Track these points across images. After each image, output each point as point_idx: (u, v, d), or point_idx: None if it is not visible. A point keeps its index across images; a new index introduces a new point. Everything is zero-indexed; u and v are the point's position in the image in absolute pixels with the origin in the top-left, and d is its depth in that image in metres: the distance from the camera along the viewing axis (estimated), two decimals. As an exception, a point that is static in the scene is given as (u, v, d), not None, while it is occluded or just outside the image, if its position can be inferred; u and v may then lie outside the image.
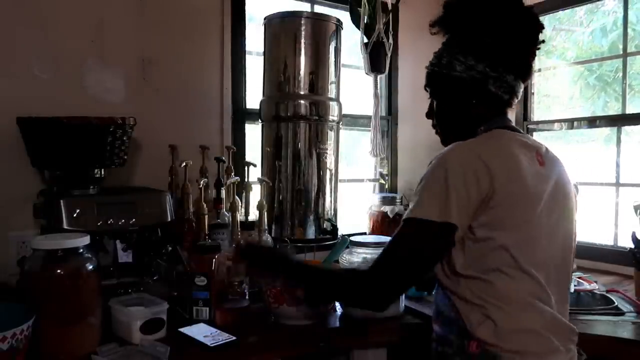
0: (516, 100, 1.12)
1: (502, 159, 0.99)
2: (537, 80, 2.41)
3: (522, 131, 1.13)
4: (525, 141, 1.07)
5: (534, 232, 1.00)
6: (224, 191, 1.66)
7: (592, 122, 2.25)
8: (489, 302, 0.96)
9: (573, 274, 1.83)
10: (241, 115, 2.00)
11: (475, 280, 0.98)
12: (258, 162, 1.83)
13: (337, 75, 1.87)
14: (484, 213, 0.96)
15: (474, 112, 1.09)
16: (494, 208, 0.95)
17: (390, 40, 2.17)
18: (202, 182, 1.50)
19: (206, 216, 1.45)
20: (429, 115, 1.19)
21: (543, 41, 1.10)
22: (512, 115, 1.16)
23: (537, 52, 1.10)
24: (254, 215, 1.66)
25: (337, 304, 1.42)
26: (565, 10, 2.40)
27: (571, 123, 2.27)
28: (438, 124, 1.17)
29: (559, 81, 2.48)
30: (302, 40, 1.77)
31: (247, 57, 2.02)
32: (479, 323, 0.97)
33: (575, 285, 1.68)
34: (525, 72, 1.10)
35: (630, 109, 2.10)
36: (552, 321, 0.99)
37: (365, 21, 2.16)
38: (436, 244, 0.97)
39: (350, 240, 1.63)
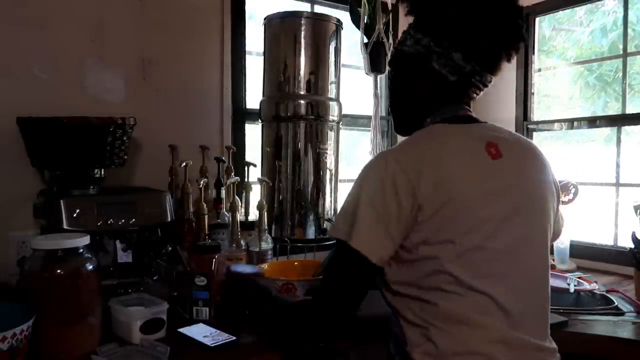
0: (478, 91, 1.03)
1: (430, 167, 0.91)
2: (537, 80, 2.41)
3: (479, 120, 1.04)
4: (478, 133, 0.99)
5: (479, 240, 0.90)
6: (224, 191, 1.66)
7: (592, 122, 2.25)
8: (431, 323, 0.90)
9: (573, 274, 1.85)
10: (241, 115, 2.00)
11: (416, 300, 0.92)
12: (258, 162, 1.83)
13: (337, 75, 1.87)
14: (414, 230, 0.90)
15: (420, 92, 1.03)
16: (423, 224, 0.89)
17: (390, 40, 2.17)
18: (202, 182, 1.50)
19: (206, 216, 1.45)
20: None
21: (522, 25, 0.99)
22: (474, 106, 1.06)
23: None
24: (254, 215, 1.67)
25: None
26: (565, 10, 2.40)
27: (571, 123, 2.27)
28: (390, 106, 1.14)
29: (559, 81, 2.48)
30: (302, 40, 1.77)
31: (247, 57, 2.02)
32: (418, 344, 0.91)
33: (575, 285, 1.68)
34: (484, 57, 0.99)
35: (630, 109, 2.10)
36: (510, 341, 0.90)
37: (365, 21, 2.16)
38: (355, 264, 0.93)
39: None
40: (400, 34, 1.10)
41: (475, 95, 1.04)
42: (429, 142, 0.97)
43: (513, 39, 1.00)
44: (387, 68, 2.19)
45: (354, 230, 0.90)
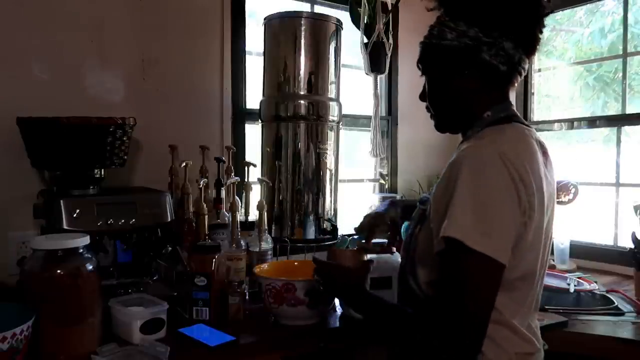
0: (519, 78, 1.00)
1: (531, 167, 0.88)
2: (537, 81, 2.41)
3: (527, 123, 1.03)
4: (536, 139, 0.97)
5: (538, 258, 0.94)
6: (224, 191, 1.66)
7: (592, 122, 2.25)
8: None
9: (573, 274, 1.85)
10: (241, 115, 2.00)
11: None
12: (258, 162, 1.83)
13: (337, 75, 1.86)
14: (519, 240, 0.88)
15: (468, 87, 0.98)
16: (528, 232, 0.88)
17: (390, 40, 2.17)
18: (202, 182, 1.50)
19: (206, 216, 1.45)
20: (422, 96, 1.07)
21: (551, 11, 0.98)
22: (512, 96, 1.05)
23: (543, 31, 0.97)
24: (254, 215, 1.66)
25: (337, 305, 1.43)
26: (565, 11, 2.40)
27: (571, 123, 2.27)
28: (431, 104, 1.06)
29: (559, 81, 2.48)
30: (302, 40, 1.77)
31: (247, 57, 2.02)
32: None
33: (575, 285, 1.68)
34: (528, 42, 0.96)
35: (630, 109, 2.11)
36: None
37: (365, 21, 2.16)
38: (496, 275, 0.86)
39: (350, 241, 1.63)
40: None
41: (516, 82, 1.02)
42: (520, 141, 0.93)
43: (541, 14, 0.98)
44: (387, 69, 2.19)
45: (492, 239, 0.83)
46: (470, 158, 0.87)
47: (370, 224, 1.29)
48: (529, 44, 0.97)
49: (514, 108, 1.03)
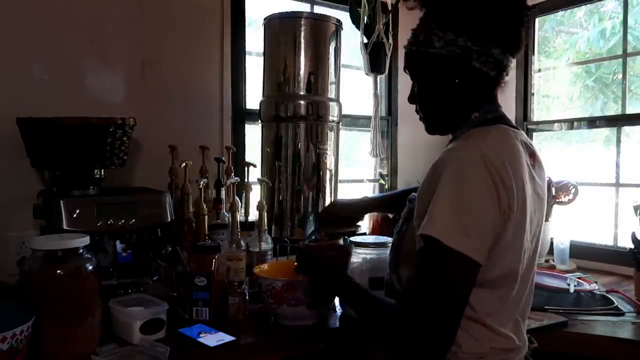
0: (505, 78, 1.02)
1: (513, 168, 0.89)
2: (537, 81, 2.41)
3: (514, 125, 1.04)
4: (523, 140, 0.99)
5: (519, 258, 0.93)
6: (223, 191, 1.66)
7: (592, 122, 2.25)
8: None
9: (573, 274, 1.85)
10: (241, 115, 2.00)
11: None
12: (258, 162, 1.83)
13: (337, 76, 1.86)
14: (497, 240, 0.88)
15: (459, 93, 1.00)
16: (507, 232, 0.88)
17: (390, 41, 2.18)
18: (202, 182, 1.50)
19: (206, 216, 1.45)
20: (411, 99, 1.08)
21: (534, 7, 1.01)
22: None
23: (527, 26, 0.99)
24: (254, 215, 1.66)
25: (337, 305, 1.43)
26: (565, 12, 2.40)
27: (571, 123, 2.27)
28: (421, 108, 1.07)
29: (558, 82, 2.48)
30: (302, 41, 1.77)
31: (247, 57, 2.02)
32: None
33: (575, 286, 1.68)
34: (513, 44, 0.98)
35: (630, 110, 2.11)
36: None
37: (365, 21, 2.16)
38: (470, 273, 0.87)
39: (350, 241, 1.63)
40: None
41: (503, 82, 1.03)
42: (504, 143, 0.94)
43: (523, 13, 0.99)
44: (387, 69, 2.19)
45: (470, 239, 0.85)
46: (452, 159, 0.89)
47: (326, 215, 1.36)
48: (514, 45, 0.99)
49: (502, 109, 1.04)
